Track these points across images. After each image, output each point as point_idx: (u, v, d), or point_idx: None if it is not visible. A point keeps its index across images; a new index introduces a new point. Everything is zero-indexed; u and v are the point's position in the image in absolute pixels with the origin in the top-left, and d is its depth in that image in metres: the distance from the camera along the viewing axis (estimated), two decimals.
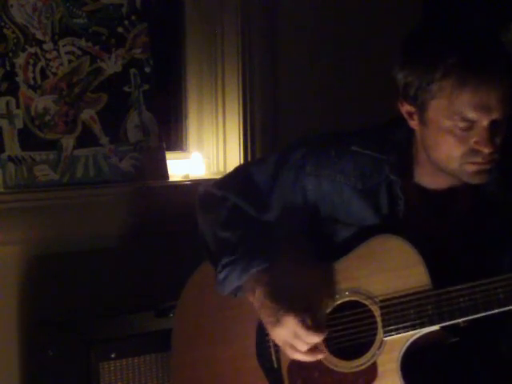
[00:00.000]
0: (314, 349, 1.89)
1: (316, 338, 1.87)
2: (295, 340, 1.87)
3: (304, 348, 1.88)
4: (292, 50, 3.16)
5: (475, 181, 1.86)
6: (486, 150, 1.80)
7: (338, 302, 1.93)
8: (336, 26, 3.22)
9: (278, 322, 1.88)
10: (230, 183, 2.12)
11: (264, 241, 1.99)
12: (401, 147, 1.96)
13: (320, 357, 1.90)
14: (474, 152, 1.82)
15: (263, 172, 2.07)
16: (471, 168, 1.83)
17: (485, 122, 1.79)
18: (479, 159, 1.82)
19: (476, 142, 1.81)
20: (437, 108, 1.82)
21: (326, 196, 2.00)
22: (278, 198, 2.04)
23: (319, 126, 3.04)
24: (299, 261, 1.96)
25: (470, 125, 1.80)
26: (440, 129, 1.83)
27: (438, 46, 1.82)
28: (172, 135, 3.18)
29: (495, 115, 1.79)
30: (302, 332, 1.86)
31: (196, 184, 2.97)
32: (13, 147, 2.72)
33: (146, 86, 2.93)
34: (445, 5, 3.15)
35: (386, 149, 1.97)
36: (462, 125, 1.80)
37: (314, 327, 1.86)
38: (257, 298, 1.93)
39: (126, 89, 2.91)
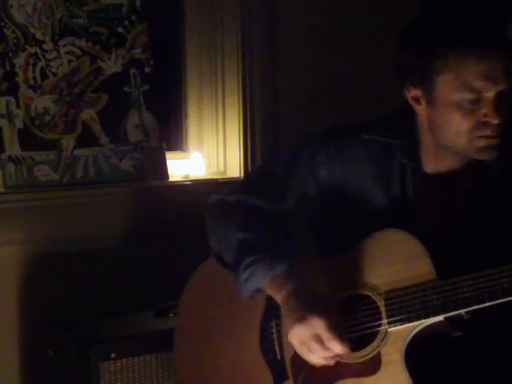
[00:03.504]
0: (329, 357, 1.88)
1: (338, 348, 1.84)
2: (314, 342, 1.85)
3: (321, 354, 1.86)
4: (292, 50, 3.16)
5: (483, 156, 1.89)
6: (495, 121, 1.85)
7: (344, 295, 1.94)
8: (336, 26, 3.22)
9: (303, 319, 1.86)
10: (242, 187, 2.13)
11: (284, 239, 2.00)
12: (409, 133, 1.98)
13: (332, 362, 1.88)
14: (482, 125, 1.86)
15: (277, 168, 2.08)
16: (480, 143, 1.87)
17: (491, 93, 1.84)
18: (488, 132, 1.86)
19: (484, 114, 1.85)
20: (444, 83, 1.86)
21: (339, 184, 2.02)
22: (292, 192, 2.05)
23: (319, 125, 3.04)
24: (310, 256, 1.98)
25: (477, 97, 1.84)
26: (448, 105, 1.86)
27: (440, 23, 1.87)
28: (172, 135, 3.18)
29: (501, 86, 1.84)
30: (325, 335, 1.84)
31: (196, 184, 2.99)
32: (13, 147, 2.72)
33: (146, 86, 2.93)
34: (444, 3, 3.15)
35: (397, 134, 2.00)
36: (469, 96, 1.84)
37: (339, 335, 1.84)
38: (280, 295, 1.92)
39: (126, 89, 2.91)
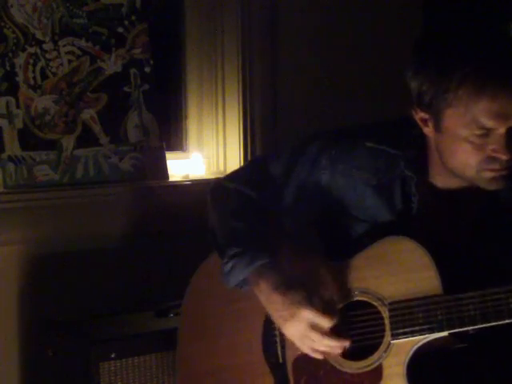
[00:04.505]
0: (337, 335, 1.86)
1: (331, 321, 1.84)
2: (313, 332, 1.85)
3: (324, 341, 1.86)
4: (292, 50, 3.16)
5: (492, 187, 1.85)
6: (504, 157, 1.79)
7: (348, 302, 1.92)
8: (336, 26, 3.22)
9: (290, 316, 1.86)
10: (243, 176, 2.12)
11: (273, 234, 1.98)
12: (416, 144, 1.94)
13: (346, 344, 1.87)
14: (491, 159, 1.81)
15: (278, 165, 2.06)
16: (489, 175, 1.82)
17: (502, 130, 1.78)
18: (497, 166, 1.81)
19: (493, 150, 1.80)
20: (453, 116, 1.81)
21: (340, 191, 2.00)
22: (291, 191, 2.04)
23: (319, 125, 3.04)
24: (308, 256, 1.95)
25: (487, 132, 1.79)
26: (456, 137, 1.81)
27: (452, 54, 1.80)
28: (172, 135, 3.18)
29: None
30: (319, 320, 1.84)
31: (196, 184, 2.99)
32: (13, 147, 2.72)
33: (146, 86, 2.93)
34: (444, 3, 3.15)
35: (402, 144, 1.95)
36: (478, 132, 1.78)
37: (327, 312, 1.85)
38: (262, 292, 1.91)
39: (126, 89, 2.91)
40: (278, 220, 2.04)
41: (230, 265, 1.96)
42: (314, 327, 1.85)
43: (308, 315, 1.84)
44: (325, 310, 1.85)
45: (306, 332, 1.86)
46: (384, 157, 1.96)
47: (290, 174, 2.04)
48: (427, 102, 1.84)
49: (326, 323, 1.85)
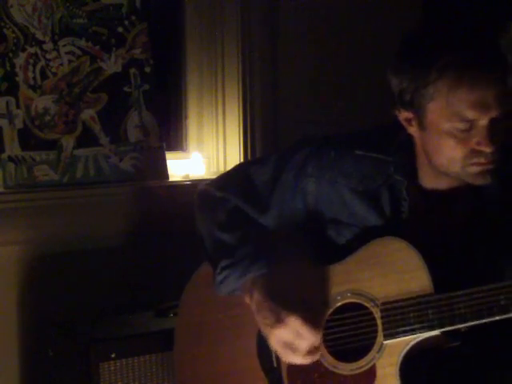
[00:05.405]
0: (312, 350, 1.87)
1: (318, 338, 1.85)
2: (297, 340, 1.85)
3: (305, 348, 1.86)
4: (292, 50, 3.16)
5: (479, 182, 1.84)
6: (488, 150, 1.79)
7: (340, 304, 1.92)
8: (336, 27, 3.22)
9: (279, 321, 1.85)
10: (229, 183, 2.11)
11: (263, 244, 1.98)
12: (405, 148, 1.94)
13: (317, 358, 1.89)
14: (475, 153, 1.80)
15: (264, 172, 2.06)
16: (474, 169, 1.82)
17: (484, 121, 1.78)
18: (482, 159, 1.80)
19: (477, 143, 1.79)
20: (435, 111, 1.81)
21: (327, 198, 2.00)
22: (278, 199, 2.04)
23: (319, 126, 3.05)
24: (299, 262, 1.95)
25: (469, 125, 1.79)
26: (440, 132, 1.81)
27: (430, 48, 1.81)
28: (172, 135, 3.18)
29: (494, 113, 1.78)
30: (304, 331, 1.84)
31: (196, 184, 2.99)
32: (13, 147, 2.72)
33: (146, 86, 2.94)
34: (445, 4, 3.15)
35: (390, 149, 1.96)
36: (461, 126, 1.79)
37: (316, 327, 1.85)
38: (254, 301, 1.91)
39: (126, 89, 2.91)
40: (267, 229, 2.04)
41: (222, 275, 1.97)
42: (300, 335, 1.85)
43: (295, 323, 1.84)
44: (311, 323, 1.84)
45: (291, 339, 1.85)
46: (372, 163, 1.96)
47: (275, 182, 2.04)
48: (409, 99, 1.84)
49: (310, 336, 1.84)
